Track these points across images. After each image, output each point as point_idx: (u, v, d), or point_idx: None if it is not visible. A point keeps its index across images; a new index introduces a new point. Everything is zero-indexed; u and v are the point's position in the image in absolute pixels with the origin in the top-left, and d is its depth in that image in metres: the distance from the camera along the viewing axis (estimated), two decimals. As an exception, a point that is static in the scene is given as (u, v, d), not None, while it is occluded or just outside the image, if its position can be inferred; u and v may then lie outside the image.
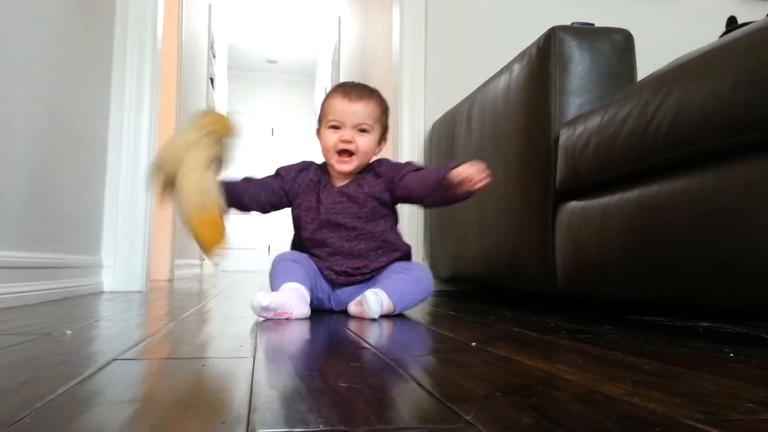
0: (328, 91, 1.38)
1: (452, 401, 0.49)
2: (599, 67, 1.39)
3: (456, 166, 1.17)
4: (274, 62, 7.64)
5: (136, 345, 0.81)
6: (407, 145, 2.45)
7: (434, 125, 2.33)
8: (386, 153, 2.88)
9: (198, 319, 1.16)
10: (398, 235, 1.43)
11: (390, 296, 1.22)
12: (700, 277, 0.96)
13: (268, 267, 1.24)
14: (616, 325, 1.11)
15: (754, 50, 0.87)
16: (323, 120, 1.38)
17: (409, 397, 0.52)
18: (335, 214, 1.35)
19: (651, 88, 1.07)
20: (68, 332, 0.89)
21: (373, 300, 1.18)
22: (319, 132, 1.40)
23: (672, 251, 1.00)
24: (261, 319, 1.16)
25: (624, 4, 2.61)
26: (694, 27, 2.49)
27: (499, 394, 0.52)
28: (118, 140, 2.17)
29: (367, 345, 0.84)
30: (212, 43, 4.86)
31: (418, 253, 2.35)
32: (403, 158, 2.45)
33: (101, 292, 2.01)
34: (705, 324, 1.15)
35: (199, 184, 1.17)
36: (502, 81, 1.65)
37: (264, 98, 7.98)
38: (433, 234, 2.31)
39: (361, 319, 1.20)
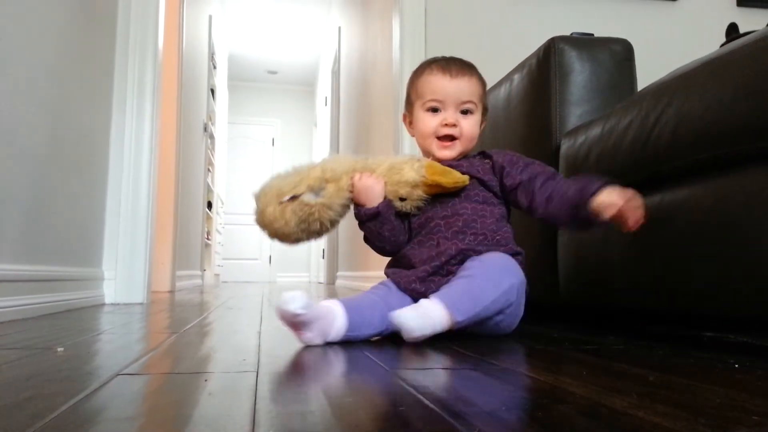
0: (416, 68, 1.21)
1: (456, 416, 0.49)
2: (599, 78, 1.40)
3: (599, 189, 0.97)
4: (275, 73, 7.68)
5: (138, 359, 0.81)
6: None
7: (435, 135, 2.33)
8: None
9: (200, 332, 1.16)
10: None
11: (443, 301, 0.92)
12: (702, 286, 0.95)
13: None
14: (620, 335, 1.11)
15: (755, 60, 0.87)
16: (417, 101, 1.17)
17: (414, 411, 0.52)
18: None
19: (652, 98, 1.08)
20: (59, 349, 0.89)
21: (411, 315, 0.90)
22: (407, 117, 1.22)
23: (674, 261, 1.00)
24: (263, 331, 1.16)
25: (623, 13, 2.62)
26: (694, 36, 2.50)
27: (503, 407, 0.52)
28: (119, 152, 2.17)
29: (370, 358, 0.83)
30: (213, 53, 4.89)
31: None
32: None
33: (102, 305, 2.01)
34: (709, 334, 1.14)
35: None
36: (503, 91, 1.65)
37: (264, 108, 8.03)
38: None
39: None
